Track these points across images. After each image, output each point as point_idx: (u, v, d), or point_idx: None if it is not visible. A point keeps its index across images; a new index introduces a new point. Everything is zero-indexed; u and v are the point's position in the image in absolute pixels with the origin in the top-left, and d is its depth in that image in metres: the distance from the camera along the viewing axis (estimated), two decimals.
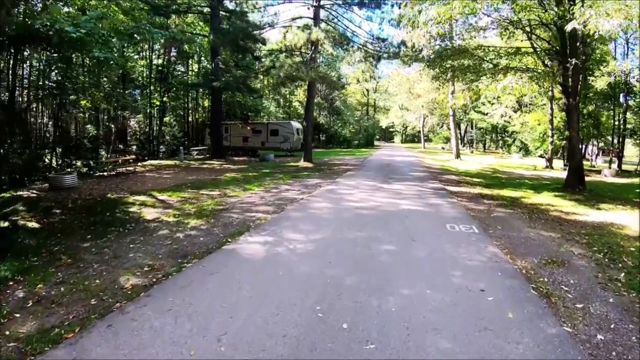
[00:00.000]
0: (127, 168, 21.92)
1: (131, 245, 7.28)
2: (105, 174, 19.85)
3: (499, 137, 59.85)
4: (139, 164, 25.75)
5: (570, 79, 14.60)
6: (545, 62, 15.79)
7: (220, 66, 27.20)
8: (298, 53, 24.38)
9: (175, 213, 10.12)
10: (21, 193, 14.61)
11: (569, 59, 13.88)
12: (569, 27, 10.87)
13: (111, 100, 17.71)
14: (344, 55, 51.36)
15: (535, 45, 15.65)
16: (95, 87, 17.61)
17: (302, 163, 24.55)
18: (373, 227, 8.28)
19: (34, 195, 14.36)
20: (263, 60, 28.34)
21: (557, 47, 15.15)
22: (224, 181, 16.25)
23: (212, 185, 15.07)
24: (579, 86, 15.40)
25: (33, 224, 10.05)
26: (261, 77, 22.28)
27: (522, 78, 12.87)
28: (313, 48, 23.24)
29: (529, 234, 8.15)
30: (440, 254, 6.60)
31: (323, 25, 22.64)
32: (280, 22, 24.30)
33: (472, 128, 64.17)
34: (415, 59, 19.44)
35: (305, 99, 26.29)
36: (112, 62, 9.34)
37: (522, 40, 16.85)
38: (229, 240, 7.37)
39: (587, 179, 17.23)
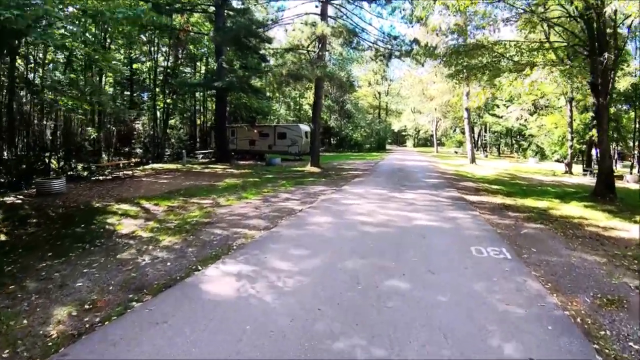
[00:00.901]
0: (126, 172, 21.00)
1: (85, 270, 6.04)
2: (101, 178, 19.03)
3: (514, 141, 58.13)
4: (140, 167, 24.92)
5: (600, 76, 13.09)
6: (564, 60, 14.30)
7: (224, 66, 25.94)
8: (305, 52, 23.12)
9: (154, 227, 8.86)
10: (7, 199, 13.66)
11: (600, 54, 12.39)
12: (608, 10, 9.41)
13: (92, 100, 16.43)
14: (353, 56, 50.48)
15: (560, 38, 14.21)
16: (71, 86, 16.22)
17: (309, 168, 23.22)
18: (381, 252, 6.75)
19: (19, 201, 13.37)
20: (269, 59, 27.17)
21: (585, 42, 13.67)
22: (220, 188, 14.99)
23: (206, 192, 13.81)
24: (610, 84, 13.91)
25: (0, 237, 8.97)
26: (269, 77, 20.71)
27: (552, 72, 11.25)
28: (320, 46, 21.93)
29: (570, 259, 6.67)
30: (468, 294, 5.04)
31: (331, 21, 21.24)
32: (285, 18, 23.01)
33: (485, 131, 62.42)
34: (430, 55, 17.95)
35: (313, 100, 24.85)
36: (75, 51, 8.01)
37: (540, 40, 15.37)
38: (199, 267, 5.99)
39: None
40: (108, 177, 19.07)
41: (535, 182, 20.63)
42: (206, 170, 22.68)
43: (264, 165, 27.43)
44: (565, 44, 14.66)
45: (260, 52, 26.60)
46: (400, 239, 7.60)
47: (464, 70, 15.58)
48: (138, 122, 37.42)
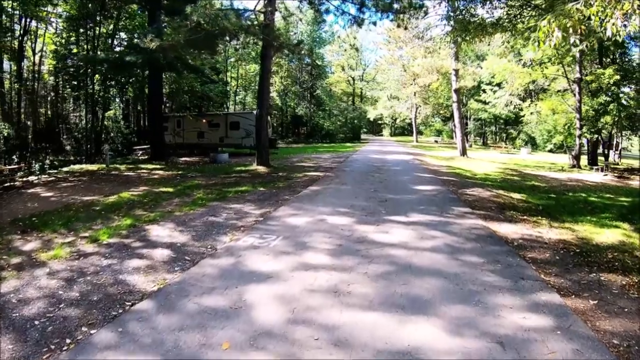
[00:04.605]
0: (25, 179, 16.36)
1: None
2: None
3: (502, 129, 53.43)
4: (57, 170, 19.90)
5: None
6: None
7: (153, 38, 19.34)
8: (253, 14, 16.92)
9: None
10: None
11: None
12: None
13: None
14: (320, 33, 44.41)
15: None
16: None
17: (255, 167, 17.34)
18: None
19: None
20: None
21: None
22: (98, 209, 9.54)
23: (62, 221, 8.12)
24: None
25: None
26: (169, 32, 14.14)
27: None
28: (267, 1, 15.79)
29: None
30: None
31: None
32: None
33: (468, 119, 57.64)
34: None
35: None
36: None
37: None
38: None
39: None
40: None
41: (553, 183, 15.92)
42: (125, 174, 17.32)
43: (209, 162, 21.68)
44: None
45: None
46: None
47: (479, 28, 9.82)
48: (75, 114, 32.47)
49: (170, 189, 12.35)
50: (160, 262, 5.65)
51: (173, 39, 12.59)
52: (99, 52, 26.41)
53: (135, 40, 26.57)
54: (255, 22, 14.70)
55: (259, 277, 4.85)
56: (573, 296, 4.59)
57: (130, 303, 4.29)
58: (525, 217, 8.69)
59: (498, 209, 9.40)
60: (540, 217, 8.63)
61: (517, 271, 5.17)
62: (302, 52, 17.08)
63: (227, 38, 14.12)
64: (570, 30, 5.27)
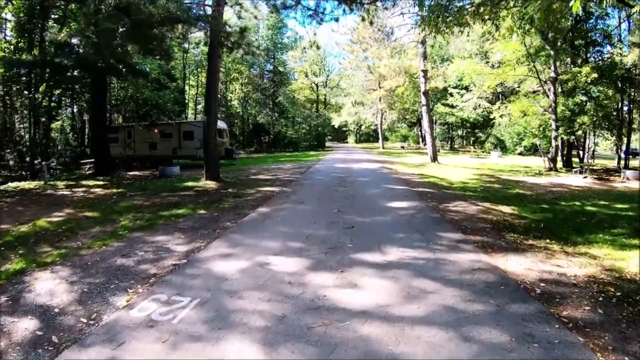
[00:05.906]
0: None
1: None
2: None
3: (470, 133, 52.56)
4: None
5: None
6: None
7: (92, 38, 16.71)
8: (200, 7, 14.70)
9: None
10: None
11: None
12: None
13: None
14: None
15: None
16: None
17: (204, 182, 15.10)
18: None
19: None
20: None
21: None
22: None
23: None
24: None
25: None
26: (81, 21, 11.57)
27: None
28: None
29: None
30: None
31: None
32: None
33: (434, 123, 56.79)
34: None
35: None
36: None
37: None
38: None
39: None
40: None
41: (538, 189, 14.40)
42: (60, 192, 14.94)
43: (158, 177, 19.26)
44: None
45: None
46: None
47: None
48: (20, 125, 29.48)
49: (97, 214, 10.13)
50: (15, 345, 3.60)
51: (84, 30, 10.23)
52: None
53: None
54: (196, 12, 12.49)
55: None
56: None
57: None
58: (530, 240, 6.86)
59: (494, 231, 7.50)
60: (548, 241, 6.84)
61: (564, 355, 3.19)
62: (248, 42, 14.60)
63: (162, 29, 11.76)
64: None
